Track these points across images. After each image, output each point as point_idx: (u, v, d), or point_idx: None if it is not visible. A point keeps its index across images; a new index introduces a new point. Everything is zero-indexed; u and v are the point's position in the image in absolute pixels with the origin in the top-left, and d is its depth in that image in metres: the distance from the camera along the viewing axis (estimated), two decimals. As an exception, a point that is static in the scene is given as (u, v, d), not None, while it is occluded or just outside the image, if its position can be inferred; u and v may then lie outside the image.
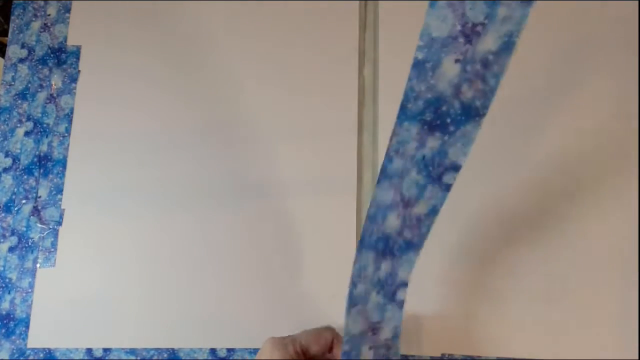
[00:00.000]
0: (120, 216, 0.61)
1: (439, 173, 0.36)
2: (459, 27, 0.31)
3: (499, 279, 0.55)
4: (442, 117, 0.34)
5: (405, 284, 0.43)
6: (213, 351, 0.57)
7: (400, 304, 0.43)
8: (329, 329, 0.49)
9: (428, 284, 0.55)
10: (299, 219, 0.59)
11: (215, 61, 0.63)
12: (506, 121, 0.57)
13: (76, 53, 0.66)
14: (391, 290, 0.42)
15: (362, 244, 0.41)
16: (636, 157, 0.54)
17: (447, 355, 0.54)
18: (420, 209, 0.38)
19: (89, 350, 0.58)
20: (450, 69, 0.32)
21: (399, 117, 0.36)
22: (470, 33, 0.31)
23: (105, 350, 0.58)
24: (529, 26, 0.31)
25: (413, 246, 0.40)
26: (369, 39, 0.63)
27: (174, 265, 0.59)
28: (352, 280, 0.42)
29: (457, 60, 0.32)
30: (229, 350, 0.57)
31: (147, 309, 0.59)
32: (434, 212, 0.38)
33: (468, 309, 0.54)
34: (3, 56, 0.68)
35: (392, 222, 0.39)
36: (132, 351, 0.58)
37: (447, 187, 0.37)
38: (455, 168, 0.36)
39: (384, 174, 0.38)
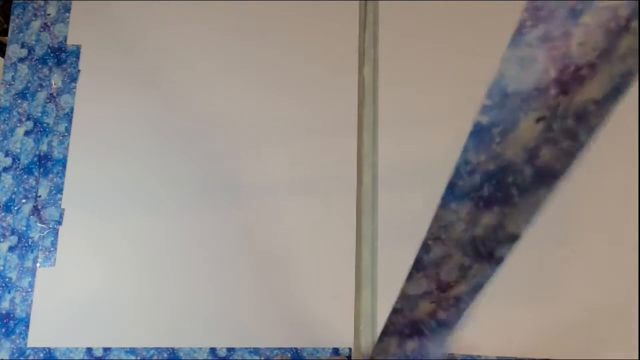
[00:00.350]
0: (120, 216, 0.61)
1: (490, 249, 0.30)
2: (553, 74, 0.22)
3: (499, 280, 0.55)
4: (505, 188, 0.26)
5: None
6: (213, 350, 0.57)
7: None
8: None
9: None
10: (299, 219, 0.59)
11: (215, 61, 0.63)
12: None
13: (76, 52, 0.66)
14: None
15: (383, 334, 0.37)
16: (636, 157, 0.54)
17: (447, 355, 0.54)
18: (460, 289, 0.33)
19: (89, 350, 0.58)
20: (528, 131, 0.24)
21: (443, 199, 0.29)
22: (570, 80, 0.22)
23: (105, 349, 0.58)
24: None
25: (447, 325, 0.35)
26: (368, 39, 0.63)
27: (173, 264, 0.59)
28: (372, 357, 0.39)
29: (540, 119, 0.23)
30: (229, 349, 0.57)
31: (147, 308, 0.59)
32: (477, 288, 0.33)
33: (471, 311, 0.54)
34: (3, 56, 0.68)
35: (424, 308, 0.34)
36: (132, 350, 0.58)
37: (499, 261, 0.31)
38: (513, 239, 0.29)
39: (417, 266, 0.33)
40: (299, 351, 0.56)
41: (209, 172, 0.61)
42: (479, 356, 0.53)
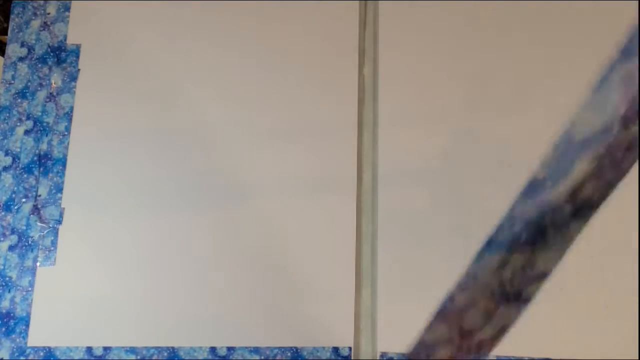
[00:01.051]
0: (120, 215, 0.61)
1: (518, 289, 0.27)
2: (622, 111, 0.20)
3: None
4: (541, 231, 0.25)
5: None
6: (213, 350, 0.57)
7: None
8: None
9: (428, 284, 0.55)
10: (298, 218, 0.59)
11: (215, 60, 0.63)
12: (511, 124, 0.57)
13: (76, 52, 0.66)
14: None
15: None
16: (636, 157, 0.54)
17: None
18: (484, 334, 0.30)
19: (89, 349, 0.58)
20: (580, 173, 0.22)
21: (479, 255, 0.28)
22: (632, 114, 0.20)
23: (106, 348, 0.58)
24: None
25: None
26: (368, 38, 0.63)
27: (174, 264, 0.59)
28: None
29: (595, 158, 0.22)
30: (229, 348, 0.57)
31: (147, 307, 0.59)
32: (502, 331, 0.30)
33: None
34: (3, 55, 0.68)
35: (442, 354, 0.31)
36: (132, 350, 0.58)
37: (526, 302, 0.28)
38: (542, 277, 0.27)
39: (439, 317, 0.30)
40: (298, 350, 0.56)
41: (209, 171, 0.61)
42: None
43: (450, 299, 0.29)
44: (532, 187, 0.24)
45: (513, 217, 0.26)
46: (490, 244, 0.27)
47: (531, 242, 0.25)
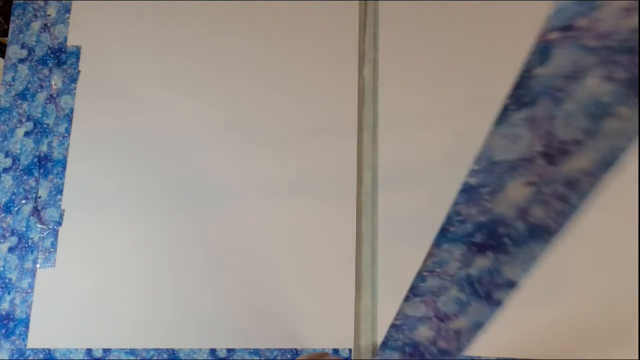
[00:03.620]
0: (119, 216, 0.61)
1: (487, 291, 0.31)
2: (539, 148, 0.24)
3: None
4: (497, 238, 0.28)
5: None
6: (213, 351, 0.57)
7: None
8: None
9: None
10: (298, 219, 0.59)
11: (214, 62, 0.63)
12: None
13: (76, 53, 0.66)
14: None
15: (385, 346, 0.38)
16: (636, 157, 0.54)
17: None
18: (460, 323, 0.33)
19: (89, 351, 0.58)
20: (517, 193, 0.26)
21: (437, 240, 0.31)
22: (556, 153, 0.23)
23: (105, 350, 0.58)
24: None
25: (448, 354, 0.36)
26: (368, 39, 0.63)
27: (173, 265, 0.59)
28: None
29: (529, 183, 0.25)
30: (229, 350, 0.57)
31: (147, 309, 0.59)
32: (478, 326, 0.33)
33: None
34: (3, 56, 0.68)
35: (424, 332, 0.36)
36: (132, 351, 0.58)
37: (498, 304, 0.32)
38: (510, 285, 0.30)
39: (414, 292, 0.34)
40: (298, 352, 0.56)
41: (209, 172, 0.61)
42: (479, 357, 0.52)
43: (421, 278, 0.33)
44: (468, 191, 0.28)
45: (459, 213, 0.29)
46: (444, 233, 0.30)
47: (492, 248, 0.29)
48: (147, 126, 0.63)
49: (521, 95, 0.24)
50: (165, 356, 0.57)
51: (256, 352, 0.56)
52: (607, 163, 0.23)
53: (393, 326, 0.37)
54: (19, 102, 0.65)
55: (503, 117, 0.25)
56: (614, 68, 0.22)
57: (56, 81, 0.65)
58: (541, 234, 0.27)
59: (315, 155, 0.60)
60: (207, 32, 0.64)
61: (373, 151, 0.61)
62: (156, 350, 0.57)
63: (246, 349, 0.56)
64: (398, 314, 0.36)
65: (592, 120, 0.23)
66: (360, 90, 0.62)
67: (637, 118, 0.21)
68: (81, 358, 0.58)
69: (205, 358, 0.57)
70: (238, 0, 0.65)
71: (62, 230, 0.61)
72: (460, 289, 0.32)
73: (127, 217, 0.61)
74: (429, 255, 0.32)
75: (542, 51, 0.24)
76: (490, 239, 0.29)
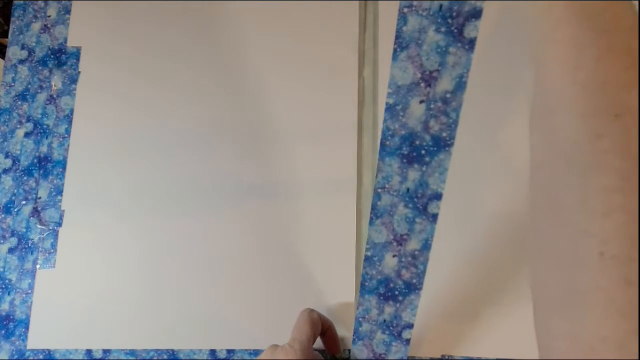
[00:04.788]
0: (120, 217, 0.61)
1: (424, 204, 0.40)
2: (419, 75, 0.37)
3: (500, 281, 0.55)
4: (417, 150, 0.38)
5: (410, 326, 0.45)
6: (213, 352, 0.57)
7: (407, 342, 0.45)
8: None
9: (429, 286, 0.55)
10: (299, 220, 0.59)
11: (214, 62, 0.63)
12: (511, 128, 0.57)
13: (76, 54, 0.66)
14: (397, 330, 0.45)
15: (363, 289, 0.44)
16: (635, 157, 0.54)
17: (447, 356, 0.53)
18: (413, 245, 0.41)
19: (89, 352, 0.58)
20: (417, 109, 0.37)
21: (380, 154, 0.39)
22: (429, 78, 0.37)
23: (105, 351, 0.58)
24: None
25: (413, 288, 0.43)
26: (368, 40, 0.63)
27: (173, 266, 0.59)
28: (357, 319, 0.46)
29: (421, 101, 0.37)
30: (229, 351, 0.57)
31: (147, 310, 0.59)
32: (426, 247, 0.41)
33: (469, 310, 0.54)
34: (3, 57, 0.68)
35: (390, 261, 0.42)
36: (132, 352, 0.58)
37: (434, 218, 0.40)
38: (438, 197, 0.39)
39: (375, 212, 0.41)
40: (298, 353, 0.56)
41: (209, 174, 0.61)
42: (479, 358, 0.53)
43: (377, 195, 0.41)
44: (390, 109, 0.39)
45: (389, 128, 0.38)
46: (383, 147, 0.39)
47: (416, 160, 0.38)
48: (148, 127, 0.63)
49: (401, 39, 0.37)
50: (165, 357, 0.57)
51: (256, 353, 0.56)
52: (460, 85, 0.36)
53: (366, 259, 0.43)
54: (19, 103, 0.65)
55: (394, 55, 0.37)
56: (441, 23, 0.36)
57: (56, 82, 0.65)
58: (442, 145, 0.38)
59: (315, 156, 0.60)
60: (208, 33, 0.64)
61: (373, 152, 0.61)
62: (156, 350, 0.57)
63: (246, 350, 0.56)
64: (367, 242, 0.43)
65: (440, 56, 0.36)
66: (360, 91, 0.62)
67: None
68: (81, 359, 0.58)
69: (205, 359, 0.57)
70: (238, 0, 0.65)
71: (62, 231, 0.61)
72: (405, 204, 0.40)
73: (127, 217, 0.61)
74: (379, 170, 0.40)
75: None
76: (413, 151, 0.38)
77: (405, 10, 0.39)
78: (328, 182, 0.59)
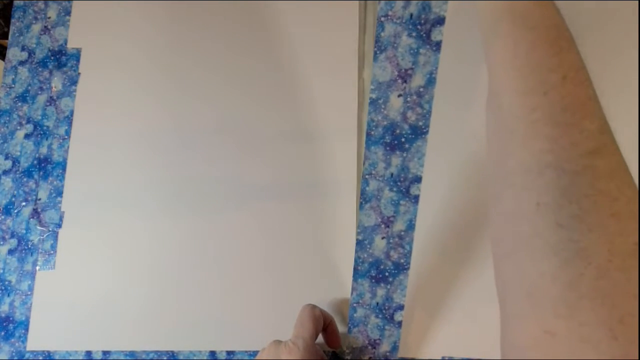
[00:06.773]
0: (120, 219, 0.61)
1: (406, 186, 0.45)
2: (396, 73, 0.45)
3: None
4: (398, 138, 0.44)
5: (401, 307, 0.48)
6: (213, 354, 0.57)
7: (399, 325, 0.48)
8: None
9: (429, 288, 0.55)
10: (299, 221, 0.59)
11: (215, 63, 0.64)
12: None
13: (76, 55, 0.66)
14: (389, 313, 0.49)
15: (356, 273, 0.48)
16: (636, 156, 0.54)
17: (447, 357, 0.53)
18: (399, 225, 0.46)
19: (89, 353, 0.58)
20: (396, 102, 0.44)
21: (366, 143, 0.46)
22: (405, 75, 0.44)
23: (105, 352, 0.58)
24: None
25: (401, 268, 0.47)
26: (368, 42, 0.63)
27: (173, 267, 0.59)
28: (351, 306, 0.49)
29: (399, 95, 0.45)
30: (229, 352, 0.57)
31: (147, 311, 0.59)
32: (411, 227, 0.46)
33: (469, 312, 0.54)
34: (3, 59, 0.68)
35: (379, 243, 0.48)
36: (132, 354, 0.57)
37: (416, 199, 0.46)
38: (418, 180, 0.45)
39: (364, 197, 0.47)
40: (299, 354, 0.55)
41: (209, 175, 0.61)
42: (479, 358, 0.52)
43: (365, 181, 0.46)
44: (373, 102, 0.47)
45: (373, 120, 0.45)
46: (369, 137, 0.47)
47: (397, 147, 0.44)
48: (148, 128, 0.63)
49: (380, 43, 0.43)
50: (165, 358, 0.57)
51: (256, 354, 0.56)
52: (430, 80, 0.42)
53: (358, 243, 0.48)
54: (19, 104, 0.65)
55: (375, 56, 0.45)
56: (412, 29, 0.43)
57: (56, 83, 0.65)
58: (419, 132, 0.44)
59: (315, 157, 0.60)
60: (208, 34, 0.64)
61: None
62: (156, 352, 0.57)
63: (246, 351, 0.56)
64: (358, 227, 0.49)
65: (413, 56, 0.42)
66: (360, 92, 0.62)
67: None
68: None
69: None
70: (238, 0, 0.65)
71: (62, 232, 0.61)
72: (390, 188, 0.45)
73: (127, 219, 0.61)
74: (366, 158, 0.46)
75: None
76: (394, 140, 0.44)
77: (383, 19, 0.48)
78: (328, 182, 0.59)
